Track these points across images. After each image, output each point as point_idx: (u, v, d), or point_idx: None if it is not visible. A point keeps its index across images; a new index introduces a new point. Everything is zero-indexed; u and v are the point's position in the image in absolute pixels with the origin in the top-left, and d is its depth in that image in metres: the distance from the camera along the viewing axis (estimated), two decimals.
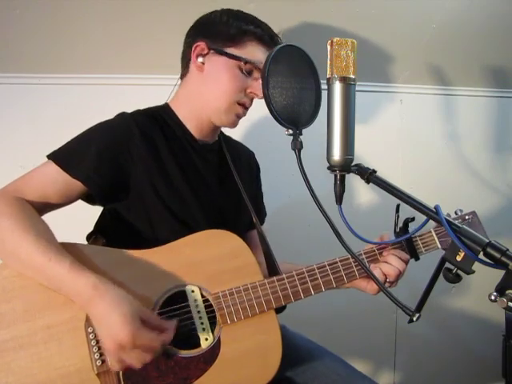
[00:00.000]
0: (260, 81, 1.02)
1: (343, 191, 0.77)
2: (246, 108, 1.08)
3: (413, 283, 1.02)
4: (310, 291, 0.96)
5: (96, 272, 0.85)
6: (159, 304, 0.89)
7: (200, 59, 1.04)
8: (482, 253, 0.66)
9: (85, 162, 0.94)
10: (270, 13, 1.10)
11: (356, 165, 0.77)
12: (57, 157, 0.95)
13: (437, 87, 1.80)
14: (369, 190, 1.74)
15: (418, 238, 1.03)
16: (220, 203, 1.10)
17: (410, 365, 1.90)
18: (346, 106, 0.74)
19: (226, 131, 1.21)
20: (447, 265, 0.72)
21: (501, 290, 0.63)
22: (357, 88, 0.75)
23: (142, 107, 1.08)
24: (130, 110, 1.04)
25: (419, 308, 0.75)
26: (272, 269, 1.03)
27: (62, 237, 0.89)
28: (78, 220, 1.12)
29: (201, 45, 1.04)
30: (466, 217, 1.05)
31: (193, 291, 0.91)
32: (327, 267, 0.98)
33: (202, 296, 0.92)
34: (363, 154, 1.68)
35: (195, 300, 0.91)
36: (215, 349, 0.90)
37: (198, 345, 0.90)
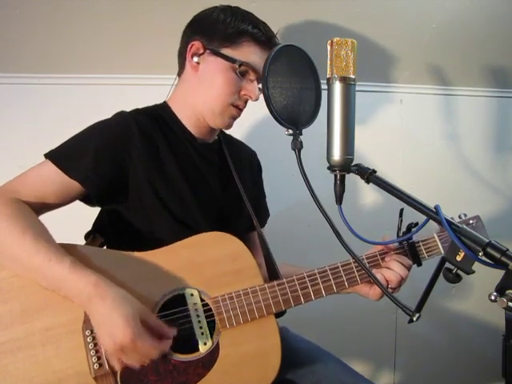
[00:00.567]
0: (255, 83, 1.02)
1: (343, 191, 0.78)
2: (240, 110, 1.07)
3: (413, 283, 1.02)
4: (310, 296, 0.95)
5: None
6: (158, 307, 0.89)
7: (195, 59, 1.03)
8: (481, 253, 0.66)
9: (83, 162, 0.93)
10: (271, 13, 1.10)
11: (356, 165, 0.77)
12: (54, 156, 0.94)
13: (437, 87, 1.79)
14: (369, 190, 1.74)
15: (420, 244, 1.01)
16: (220, 204, 1.10)
17: (410, 365, 1.90)
18: (345, 106, 0.74)
19: (227, 130, 1.21)
20: (447, 265, 0.72)
21: (501, 289, 0.63)
22: (357, 88, 0.75)
23: (141, 107, 1.08)
24: (129, 110, 1.03)
25: (419, 308, 0.75)
26: (272, 272, 1.03)
27: (59, 236, 0.88)
28: (75, 219, 1.11)
29: (196, 44, 1.03)
30: (470, 221, 1.03)
31: (192, 295, 0.91)
32: (328, 272, 0.97)
33: (202, 300, 0.91)
34: (363, 154, 1.69)
35: (194, 304, 0.90)
36: (214, 353, 0.89)
37: (196, 349, 0.89)
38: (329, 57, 0.74)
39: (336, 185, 0.77)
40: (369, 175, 0.75)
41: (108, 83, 1.51)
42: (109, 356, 0.82)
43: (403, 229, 0.97)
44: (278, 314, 0.96)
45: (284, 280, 0.95)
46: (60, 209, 0.96)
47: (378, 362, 1.88)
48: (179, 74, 1.11)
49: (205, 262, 0.93)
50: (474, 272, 0.69)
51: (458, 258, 0.69)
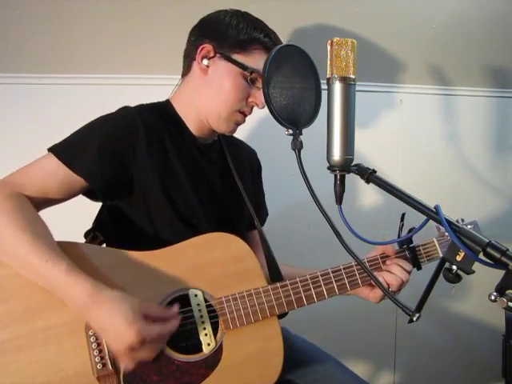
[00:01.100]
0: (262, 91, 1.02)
1: (343, 191, 0.77)
2: (245, 116, 1.06)
3: (413, 283, 1.02)
4: (313, 298, 0.96)
5: (97, 273, 0.84)
6: (162, 307, 0.88)
7: (205, 61, 1.02)
8: (481, 253, 0.66)
9: (87, 156, 0.92)
10: (270, 13, 1.10)
11: (356, 165, 0.77)
12: (58, 151, 0.92)
13: (437, 87, 1.79)
14: (369, 190, 1.74)
15: (420, 248, 1.03)
16: (221, 203, 1.10)
17: (409, 365, 1.90)
18: (345, 106, 0.74)
19: None
20: (447, 265, 0.72)
21: (501, 290, 0.63)
22: (357, 88, 0.75)
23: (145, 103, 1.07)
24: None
25: (419, 308, 0.75)
26: (273, 271, 1.03)
27: (59, 234, 0.87)
28: (75, 217, 1.11)
29: (207, 47, 1.02)
30: (468, 226, 1.05)
31: (196, 295, 0.90)
32: (331, 274, 0.98)
33: (205, 300, 0.91)
34: (363, 153, 1.69)
35: (198, 304, 0.90)
36: (217, 354, 0.89)
37: (200, 349, 0.89)
38: (329, 57, 0.74)
39: (336, 185, 0.77)
40: (369, 175, 0.75)
41: (108, 83, 1.51)
42: (121, 358, 0.82)
43: (404, 233, 0.97)
44: (281, 316, 0.96)
45: (287, 282, 0.96)
46: (60, 206, 0.95)
47: (377, 362, 1.88)
48: (184, 75, 1.10)
49: (209, 263, 0.93)
50: (474, 272, 0.69)
51: (458, 258, 0.69)
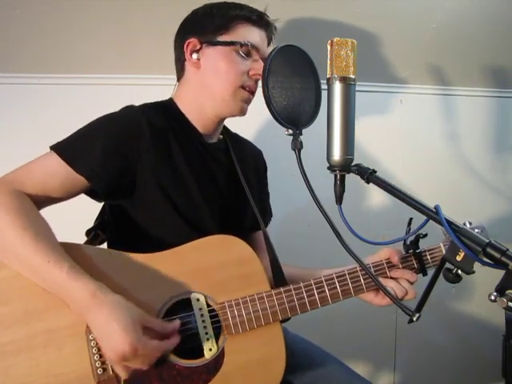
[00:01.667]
0: (260, 62, 1.01)
1: (343, 191, 0.78)
2: (251, 93, 1.05)
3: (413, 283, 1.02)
4: (316, 304, 0.94)
5: (99, 276, 0.83)
6: (163, 311, 0.87)
7: (195, 56, 1.03)
8: (481, 253, 0.66)
9: (90, 156, 0.90)
10: (270, 13, 1.09)
11: (356, 165, 0.77)
12: (61, 149, 0.91)
13: (437, 87, 1.79)
14: (369, 190, 1.74)
15: (427, 253, 1.01)
16: (226, 204, 1.08)
17: (409, 365, 1.90)
18: (345, 106, 0.74)
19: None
20: (447, 265, 0.72)
21: (501, 290, 0.63)
22: (357, 88, 0.75)
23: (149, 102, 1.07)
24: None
25: (419, 308, 0.75)
26: (277, 274, 1.02)
27: (60, 233, 0.87)
28: (77, 214, 1.11)
29: (192, 41, 1.03)
30: (476, 230, 1.04)
31: (198, 299, 0.89)
32: (335, 279, 0.96)
33: (208, 305, 0.90)
34: (363, 153, 1.69)
35: (200, 309, 0.89)
36: (219, 359, 0.88)
37: (201, 354, 0.88)
38: (329, 57, 0.74)
39: (336, 185, 0.77)
40: (369, 175, 0.75)
41: (108, 83, 1.51)
42: (113, 366, 0.81)
43: (411, 238, 0.97)
44: (283, 320, 0.95)
45: (291, 287, 0.94)
46: (62, 205, 0.94)
47: (377, 362, 1.88)
48: (179, 79, 1.10)
49: (212, 266, 0.92)
50: (474, 272, 0.69)
51: (458, 258, 0.69)
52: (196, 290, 0.90)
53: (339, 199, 0.78)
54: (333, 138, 0.75)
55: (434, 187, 1.79)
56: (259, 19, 1.03)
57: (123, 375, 0.81)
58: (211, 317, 0.89)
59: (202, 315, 0.89)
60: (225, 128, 1.18)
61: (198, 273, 0.91)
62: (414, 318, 0.74)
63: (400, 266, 0.99)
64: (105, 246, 1.08)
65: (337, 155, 0.74)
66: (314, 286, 0.95)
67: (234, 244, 0.94)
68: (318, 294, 0.94)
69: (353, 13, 1.44)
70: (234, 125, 1.20)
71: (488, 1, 1.48)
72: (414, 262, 1.00)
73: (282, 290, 0.93)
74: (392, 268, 0.99)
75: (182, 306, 0.88)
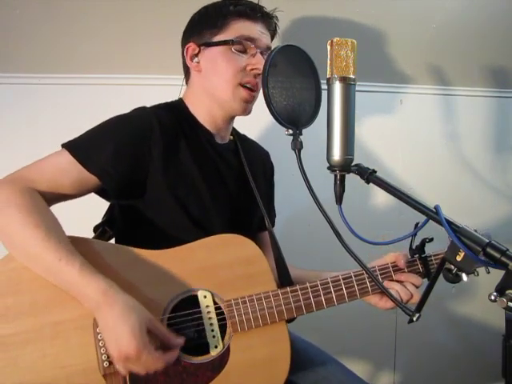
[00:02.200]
0: (258, 55, 1.02)
1: (343, 191, 0.77)
2: (252, 90, 1.04)
3: None
4: (322, 304, 0.95)
5: (107, 270, 0.84)
6: (170, 308, 0.88)
7: (195, 59, 1.05)
8: (481, 253, 0.66)
9: (102, 156, 0.91)
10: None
11: (356, 165, 0.77)
12: (73, 148, 0.91)
13: (437, 87, 1.79)
14: (369, 190, 1.74)
15: (432, 258, 1.01)
16: (235, 204, 1.09)
17: (409, 365, 1.90)
18: (345, 106, 0.74)
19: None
20: (447, 265, 0.72)
21: (501, 290, 0.63)
22: (357, 88, 0.75)
23: (159, 103, 1.08)
24: (130, 111, 1.03)
25: (419, 308, 0.75)
26: (283, 274, 1.02)
27: (68, 228, 0.87)
28: (85, 210, 1.11)
29: (191, 46, 1.05)
30: None
31: (205, 297, 0.90)
32: (341, 281, 0.96)
33: (214, 302, 0.90)
34: (363, 153, 1.69)
35: (207, 306, 0.90)
36: (224, 357, 0.89)
37: (207, 352, 0.88)
38: (329, 57, 0.74)
39: (336, 185, 0.77)
40: (369, 175, 0.75)
41: (108, 83, 1.51)
42: (114, 362, 0.81)
43: (417, 242, 0.96)
44: (289, 320, 0.96)
45: (297, 287, 0.94)
46: (70, 200, 0.94)
47: (377, 362, 1.88)
48: (186, 82, 1.13)
49: (219, 265, 0.92)
50: (473, 272, 0.69)
51: (458, 258, 0.69)
52: (203, 288, 0.90)
53: (339, 199, 0.78)
54: (333, 138, 0.74)
55: (433, 187, 1.79)
56: (252, 12, 1.04)
57: (122, 372, 0.82)
58: (218, 314, 0.90)
59: (208, 312, 0.90)
60: (234, 129, 1.19)
61: (205, 270, 0.91)
62: (414, 318, 0.74)
63: (406, 269, 1.00)
64: (112, 242, 1.08)
65: (337, 155, 0.74)
66: (320, 287, 0.95)
67: (242, 243, 0.95)
68: (324, 295, 0.95)
69: (353, 13, 1.44)
70: (234, 124, 1.20)
71: (488, 1, 1.48)
72: (420, 266, 1.01)
73: (288, 289, 0.94)
74: (397, 272, 1.00)
75: (189, 302, 0.89)
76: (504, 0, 1.48)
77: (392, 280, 0.99)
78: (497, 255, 0.64)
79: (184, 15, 1.09)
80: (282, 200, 1.32)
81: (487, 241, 0.66)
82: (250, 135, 1.28)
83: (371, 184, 0.76)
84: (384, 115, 1.79)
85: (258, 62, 1.01)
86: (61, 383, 0.81)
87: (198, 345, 0.89)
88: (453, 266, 0.70)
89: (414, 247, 0.97)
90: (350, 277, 0.97)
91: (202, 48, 1.04)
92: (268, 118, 0.78)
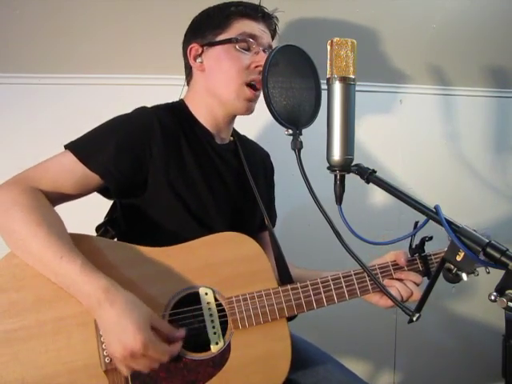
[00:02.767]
0: (261, 53, 1.03)
1: (343, 191, 0.78)
2: (255, 89, 1.05)
3: None
4: (322, 302, 0.95)
5: (108, 268, 0.84)
6: (171, 304, 0.89)
7: (198, 60, 1.06)
8: (481, 253, 0.66)
9: (104, 155, 0.92)
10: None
11: (356, 165, 0.77)
12: (75, 148, 0.93)
13: (436, 87, 1.79)
14: (369, 190, 1.74)
15: (432, 257, 1.02)
16: (235, 204, 1.10)
17: (409, 365, 1.90)
18: (345, 106, 0.74)
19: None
20: (447, 265, 0.72)
21: (501, 290, 0.63)
22: (357, 88, 0.75)
23: (160, 103, 1.08)
24: (130, 111, 1.03)
25: (419, 308, 0.75)
26: (283, 272, 1.03)
27: (70, 227, 0.88)
28: (87, 210, 1.11)
29: (194, 46, 1.06)
30: None
31: (206, 294, 0.90)
32: (341, 279, 0.97)
33: (215, 299, 0.91)
34: (363, 153, 1.69)
35: (208, 303, 0.90)
36: (225, 353, 0.89)
37: (208, 348, 0.89)
38: (329, 57, 0.74)
39: (336, 185, 0.77)
40: (369, 175, 0.75)
41: (108, 83, 1.51)
42: (117, 362, 0.82)
43: (417, 241, 0.96)
44: (290, 318, 0.96)
45: (298, 285, 0.95)
46: (73, 201, 0.95)
47: (377, 362, 1.88)
48: (188, 83, 1.13)
49: (221, 262, 0.93)
50: (473, 272, 0.69)
51: (458, 258, 0.69)
52: (204, 285, 0.91)
53: (339, 199, 0.78)
54: (333, 138, 0.75)
55: (434, 187, 1.80)
56: (254, 12, 1.05)
57: (124, 372, 0.82)
58: (219, 311, 0.91)
59: (209, 309, 0.90)
60: (234, 130, 1.19)
61: (206, 268, 0.92)
62: (414, 318, 0.74)
63: (406, 268, 1.00)
64: None
65: (337, 155, 0.74)
66: (320, 285, 0.96)
67: (244, 241, 0.96)
68: (325, 292, 0.96)
69: (353, 13, 1.44)
70: (234, 125, 1.20)
71: (488, 1, 1.48)
72: (420, 265, 1.01)
73: (289, 287, 0.95)
74: (398, 270, 1.00)
75: (191, 299, 0.90)
76: (504, 0, 1.49)
77: (392, 278, 1.00)
78: (497, 255, 0.64)
79: (184, 15, 1.09)
80: (282, 200, 1.32)
81: (487, 241, 0.66)
82: (249, 135, 1.28)
83: (371, 184, 0.76)
84: (384, 115, 1.79)
85: (263, 59, 1.01)
86: (63, 379, 0.81)
87: (199, 341, 0.89)
88: (453, 266, 0.70)
89: (413, 246, 0.98)
90: (351, 275, 0.98)
91: (205, 48, 1.05)
92: (268, 117, 0.78)
